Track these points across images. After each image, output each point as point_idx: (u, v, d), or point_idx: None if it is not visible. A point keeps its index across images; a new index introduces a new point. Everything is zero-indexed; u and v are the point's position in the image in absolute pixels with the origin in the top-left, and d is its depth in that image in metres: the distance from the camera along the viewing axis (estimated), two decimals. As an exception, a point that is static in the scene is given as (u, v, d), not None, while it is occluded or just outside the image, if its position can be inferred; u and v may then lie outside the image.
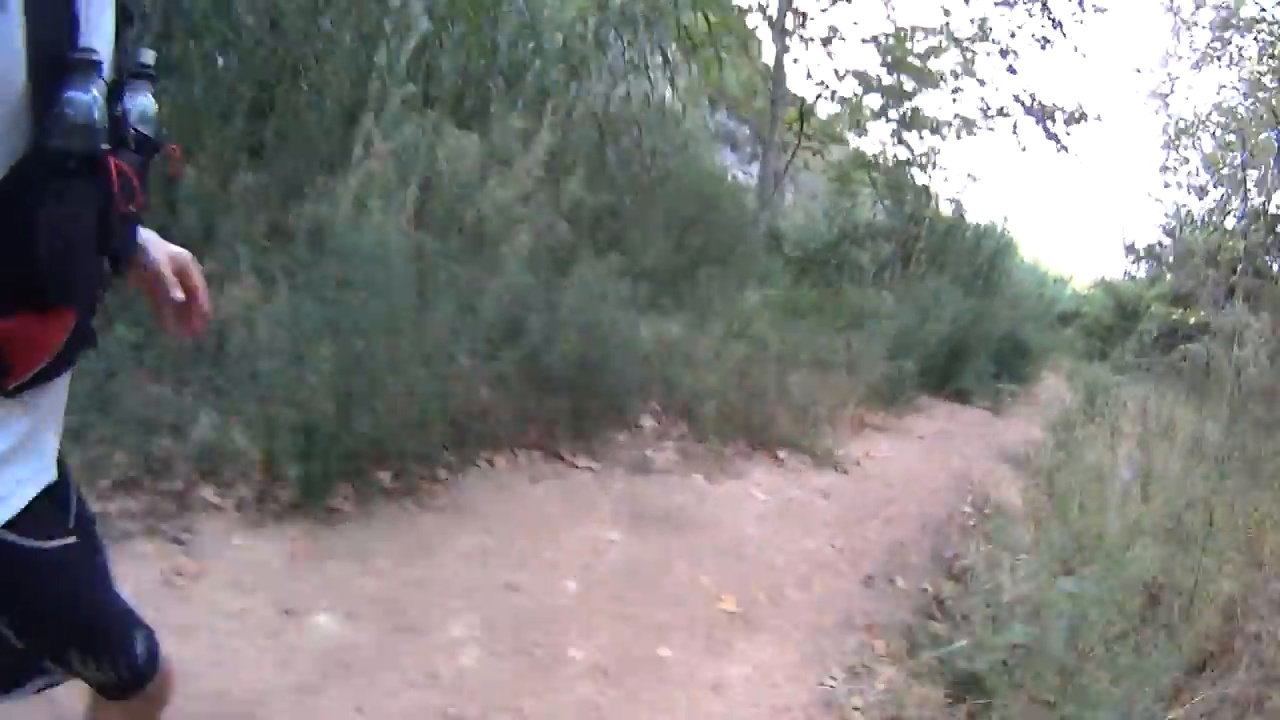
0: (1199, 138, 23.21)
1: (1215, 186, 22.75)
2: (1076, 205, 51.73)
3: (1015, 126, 12.61)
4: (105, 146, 0.89)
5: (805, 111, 12.30)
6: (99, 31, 0.91)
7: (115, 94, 0.97)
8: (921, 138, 12.60)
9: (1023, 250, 22.28)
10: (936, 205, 12.81)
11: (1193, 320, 15.20)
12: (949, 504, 5.44)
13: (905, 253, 11.85)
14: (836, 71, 12.17)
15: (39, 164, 0.83)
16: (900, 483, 5.80)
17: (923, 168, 12.90)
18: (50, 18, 0.82)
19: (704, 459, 5.12)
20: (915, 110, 12.31)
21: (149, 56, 1.06)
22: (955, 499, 5.55)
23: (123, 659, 1.13)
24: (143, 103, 1.05)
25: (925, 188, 12.80)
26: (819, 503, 5.09)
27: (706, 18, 11.19)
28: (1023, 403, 10.87)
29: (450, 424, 3.79)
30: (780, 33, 11.42)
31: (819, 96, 12.11)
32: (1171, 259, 23.47)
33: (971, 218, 13.48)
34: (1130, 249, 24.49)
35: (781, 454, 5.66)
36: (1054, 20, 11.42)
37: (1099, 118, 12.72)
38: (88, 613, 1.10)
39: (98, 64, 0.87)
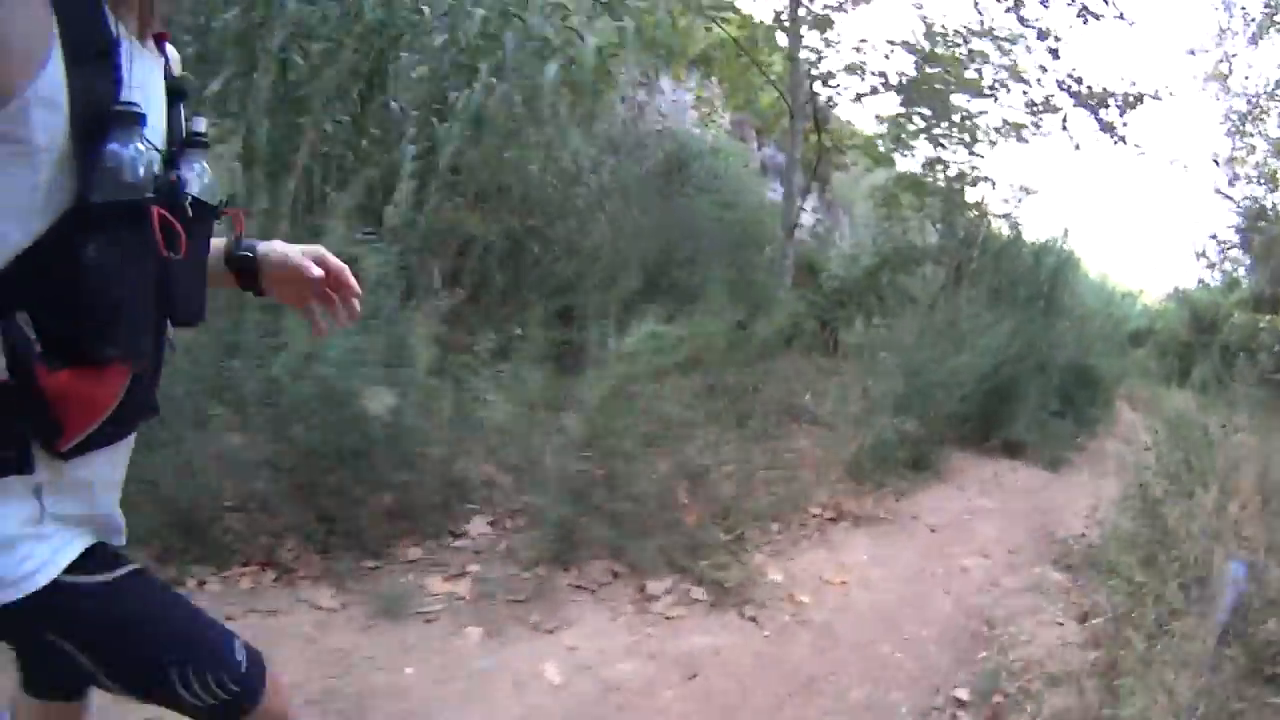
0: (1263, 121, 21.41)
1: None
2: (1141, 211, 49.49)
3: (1065, 121, 10.86)
4: (149, 199, 0.91)
5: (820, 119, 11.07)
6: (144, 92, 0.94)
7: (170, 162, 1.00)
8: (971, 151, 11.26)
9: (1087, 265, 20.90)
10: (990, 223, 11.75)
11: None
12: (927, 692, 3.16)
13: (958, 276, 10.67)
14: (862, 71, 10.74)
15: (83, 216, 0.86)
16: (851, 639, 3.51)
17: (974, 183, 11.57)
18: (92, 72, 0.86)
19: (508, 595, 3.35)
20: (963, 119, 10.98)
21: (202, 124, 1.05)
22: (945, 674, 3.33)
23: (225, 671, 1.08)
24: (198, 168, 1.03)
25: (978, 204, 11.59)
26: (663, 695, 2.89)
27: (727, 34, 10.13)
28: (1092, 452, 9.39)
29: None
30: (795, 36, 10.25)
31: (830, 101, 11.00)
32: (1248, 259, 21.60)
33: (1029, 234, 12.19)
34: (1202, 254, 22.68)
35: (658, 586, 3.65)
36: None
37: (1157, 96, 10.74)
38: (173, 627, 1.06)
39: (140, 116, 0.90)
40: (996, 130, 11.18)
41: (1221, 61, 20.40)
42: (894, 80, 10.54)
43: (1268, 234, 20.80)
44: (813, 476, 5.21)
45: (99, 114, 0.86)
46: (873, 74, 10.56)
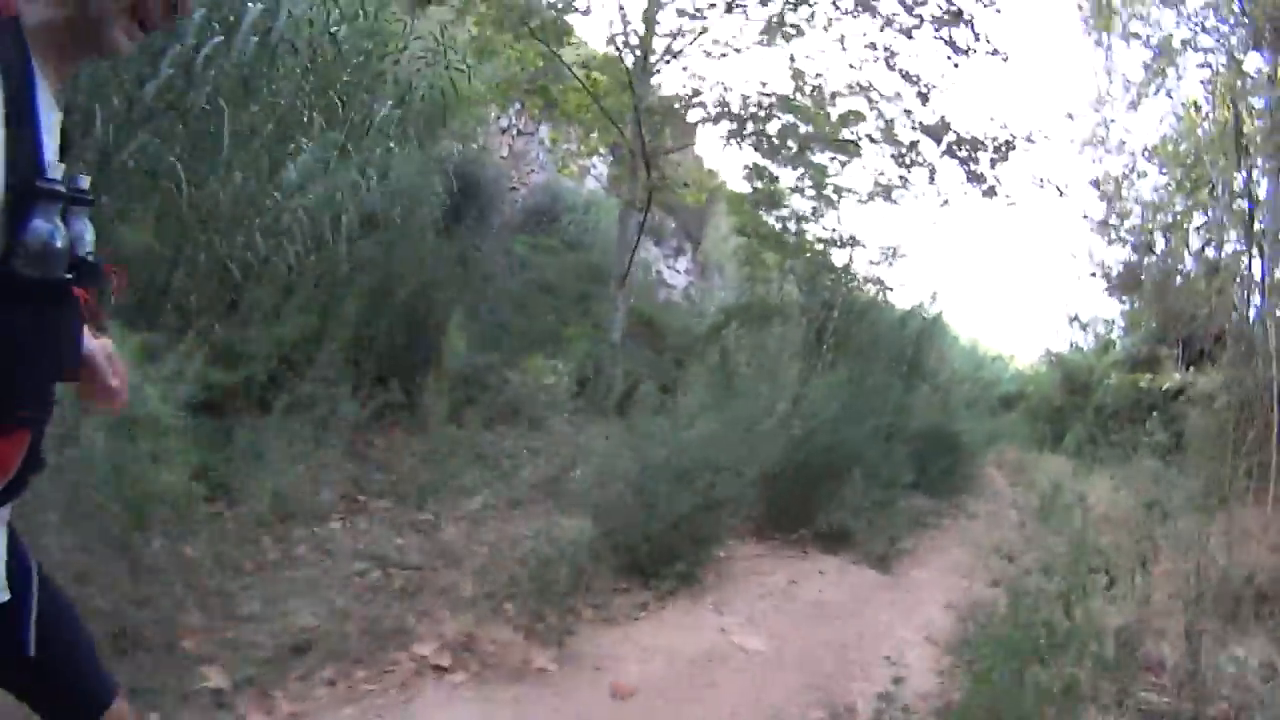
0: (1137, 186, 20.60)
1: (1163, 236, 20.11)
2: (1013, 278, 50.16)
3: (933, 174, 10.22)
4: (68, 275, 0.93)
5: (649, 156, 9.76)
6: (54, 160, 0.95)
7: (65, 220, 0.98)
8: (832, 208, 10.76)
9: (957, 330, 19.73)
10: (855, 285, 11.45)
11: (1164, 386, 11.97)
12: None
13: (818, 338, 10.11)
14: (691, 102, 10.09)
15: (7, 287, 0.86)
16: None
17: (840, 245, 11.08)
18: (24, 146, 0.87)
19: None
20: (822, 177, 10.47)
21: (85, 182, 1.05)
22: None
23: None
24: (84, 227, 1.03)
25: (845, 268, 11.09)
26: None
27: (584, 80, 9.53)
28: (944, 536, 7.36)
29: None
30: (641, 71, 9.60)
31: (660, 139, 10.12)
32: (1122, 323, 20.59)
33: (899, 297, 11.98)
34: (1074, 319, 21.66)
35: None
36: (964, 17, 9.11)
37: (1030, 139, 9.94)
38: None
39: (61, 195, 0.91)
40: (867, 194, 10.71)
41: (1099, 125, 19.67)
42: (737, 109, 9.68)
43: (1152, 272, 19.92)
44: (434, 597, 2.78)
45: (27, 187, 0.86)
46: (715, 106, 9.79)
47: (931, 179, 10.21)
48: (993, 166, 10.04)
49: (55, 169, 0.92)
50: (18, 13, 0.87)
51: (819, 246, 10.90)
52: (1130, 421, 15.34)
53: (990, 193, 10.12)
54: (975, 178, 10.26)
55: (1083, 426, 15.85)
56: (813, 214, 10.64)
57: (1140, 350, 16.00)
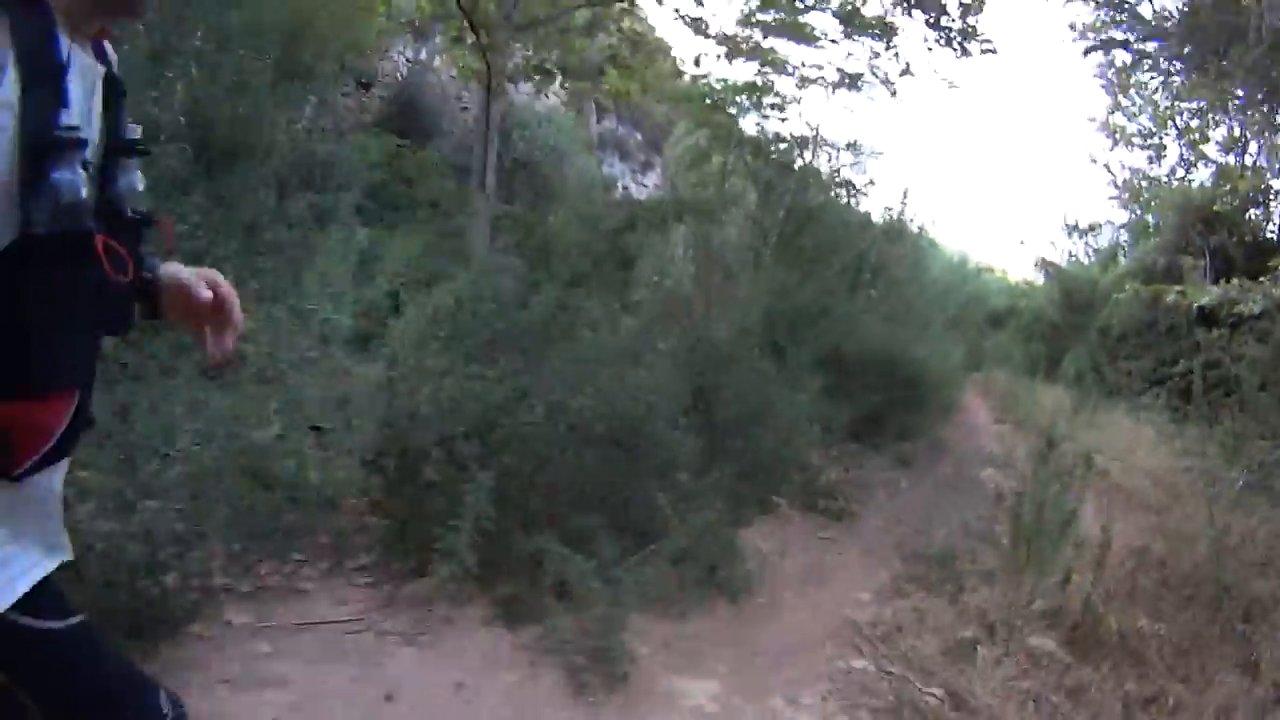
0: (1145, 85, 17.52)
1: (1175, 142, 17.22)
2: (1007, 186, 46.71)
3: (890, 40, 9.14)
4: (93, 226, 0.90)
5: (489, 21, 8.15)
6: (82, 109, 0.93)
7: (107, 173, 1.00)
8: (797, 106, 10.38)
9: (940, 240, 16.99)
10: (821, 188, 9.87)
11: (1197, 302, 9.30)
12: None
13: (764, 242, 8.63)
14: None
15: (28, 248, 0.83)
16: None
17: (802, 143, 9.88)
18: (41, 96, 0.85)
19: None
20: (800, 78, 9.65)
21: (137, 132, 1.05)
22: None
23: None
24: (133, 179, 1.04)
25: (804, 167, 9.60)
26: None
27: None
28: (857, 532, 4.82)
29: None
30: None
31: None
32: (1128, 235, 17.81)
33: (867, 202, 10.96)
34: (1074, 227, 18.85)
35: None
36: None
37: None
38: (113, 680, 1.10)
39: (82, 142, 0.88)
40: (831, 85, 9.82)
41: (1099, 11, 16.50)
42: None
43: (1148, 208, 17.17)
44: None
45: (43, 140, 0.84)
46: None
47: (889, 44, 9.06)
48: (964, 16, 8.69)
49: (72, 115, 0.87)
50: None
51: (782, 146, 9.76)
52: (1141, 347, 12.83)
53: (963, 48, 8.89)
54: (944, 32, 8.89)
55: (1084, 350, 13.28)
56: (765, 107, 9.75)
57: (1155, 260, 13.32)
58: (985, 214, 32.59)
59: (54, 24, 0.88)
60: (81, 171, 0.86)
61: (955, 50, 9.12)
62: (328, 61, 6.64)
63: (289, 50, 5.29)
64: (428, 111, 10.46)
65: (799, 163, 9.68)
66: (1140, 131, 18.12)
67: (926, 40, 9.02)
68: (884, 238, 10.06)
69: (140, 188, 1.05)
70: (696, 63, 10.11)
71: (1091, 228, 16.15)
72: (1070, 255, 18.49)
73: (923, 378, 7.74)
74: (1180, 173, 17.02)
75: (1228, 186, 12.02)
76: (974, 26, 8.77)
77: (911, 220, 10.57)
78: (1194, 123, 15.75)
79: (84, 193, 0.86)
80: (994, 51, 8.78)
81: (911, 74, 9.57)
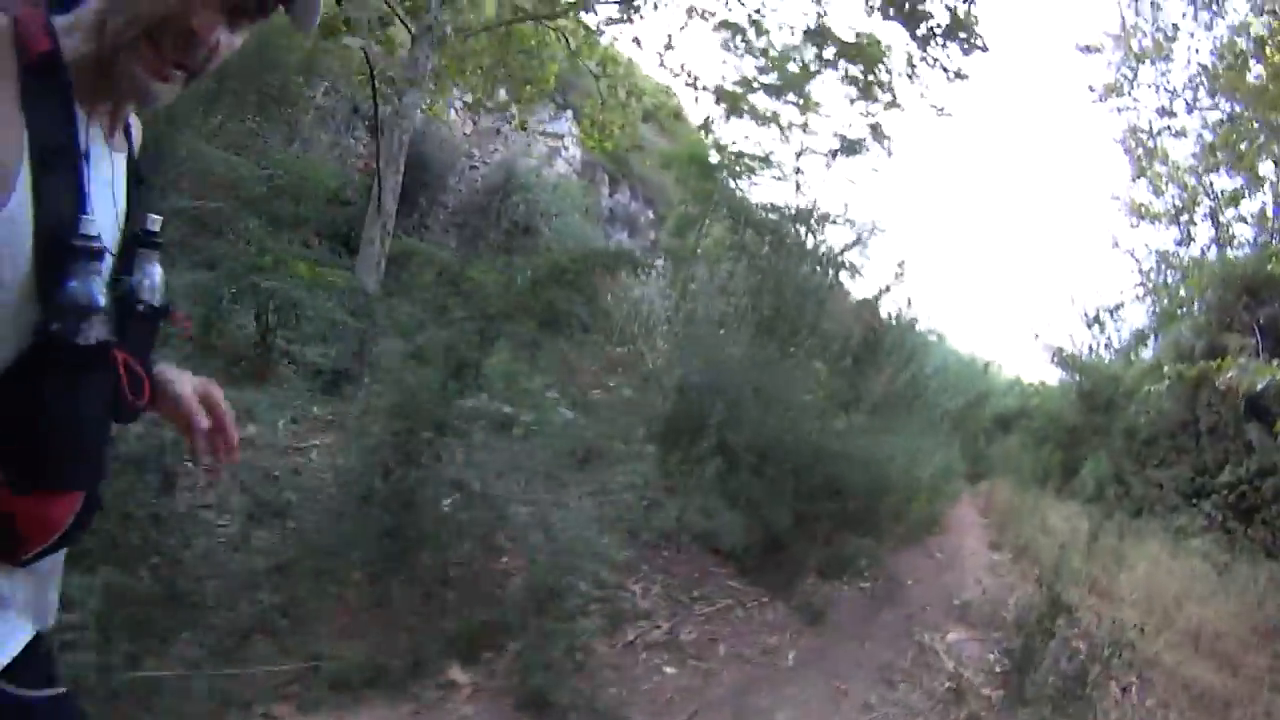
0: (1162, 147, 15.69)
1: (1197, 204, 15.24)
2: (1017, 273, 44.55)
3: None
4: (110, 338, 0.89)
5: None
6: (102, 207, 0.92)
7: (125, 264, 0.98)
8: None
9: (948, 337, 14.99)
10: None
11: (1261, 380, 6.97)
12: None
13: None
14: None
15: (46, 353, 0.83)
16: None
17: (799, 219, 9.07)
18: (58, 190, 0.83)
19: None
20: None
21: (155, 224, 1.03)
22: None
23: None
24: (151, 272, 1.01)
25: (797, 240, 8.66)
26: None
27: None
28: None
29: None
30: None
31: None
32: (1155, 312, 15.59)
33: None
34: (1095, 318, 16.54)
35: None
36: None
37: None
38: None
39: (102, 251, 0.87)
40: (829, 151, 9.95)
41: (1122, 68, 14.84)
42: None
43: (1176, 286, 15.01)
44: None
45: (61, 244, 0.83)
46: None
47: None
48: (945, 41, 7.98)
49: (92, 223, 0.86)
50: (52, 48, 0.85)
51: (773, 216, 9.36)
52: (1175, 451, 10.49)
53: (957, 76, 8.28)
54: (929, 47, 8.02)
55: (1106, 457, 10.92)
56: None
57: (1191, 345, 11.08)
58: (994, 307, 30.46)
59: (71, 98, 0.86)
60: (99, 281, 0.86)
61: (946, 52, 8.16)
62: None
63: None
64: (435, 162, 10.04)
65: (792, 234, 8.90)
66: (1167, 209, 16.22)
67: (912, 60, 8.35)
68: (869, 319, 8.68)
69: (158, 281, 1.02)
70: (705, 128, 10.05)
71: (1115, 309, 13.89)
72: (1090, 349, 16.24)
73: (885, 484, 5.51)
74: (1213, 251, 15.00)
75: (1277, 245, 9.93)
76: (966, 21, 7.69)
77: (907, 305, 8.99)
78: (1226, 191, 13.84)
79: (101, 303, 0.85)
80: (985, 49, 7.88)
81: (899, 106, 9.16)
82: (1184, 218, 15.86)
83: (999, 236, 53.45)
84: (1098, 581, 5.66)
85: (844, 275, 9.04)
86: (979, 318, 43.49)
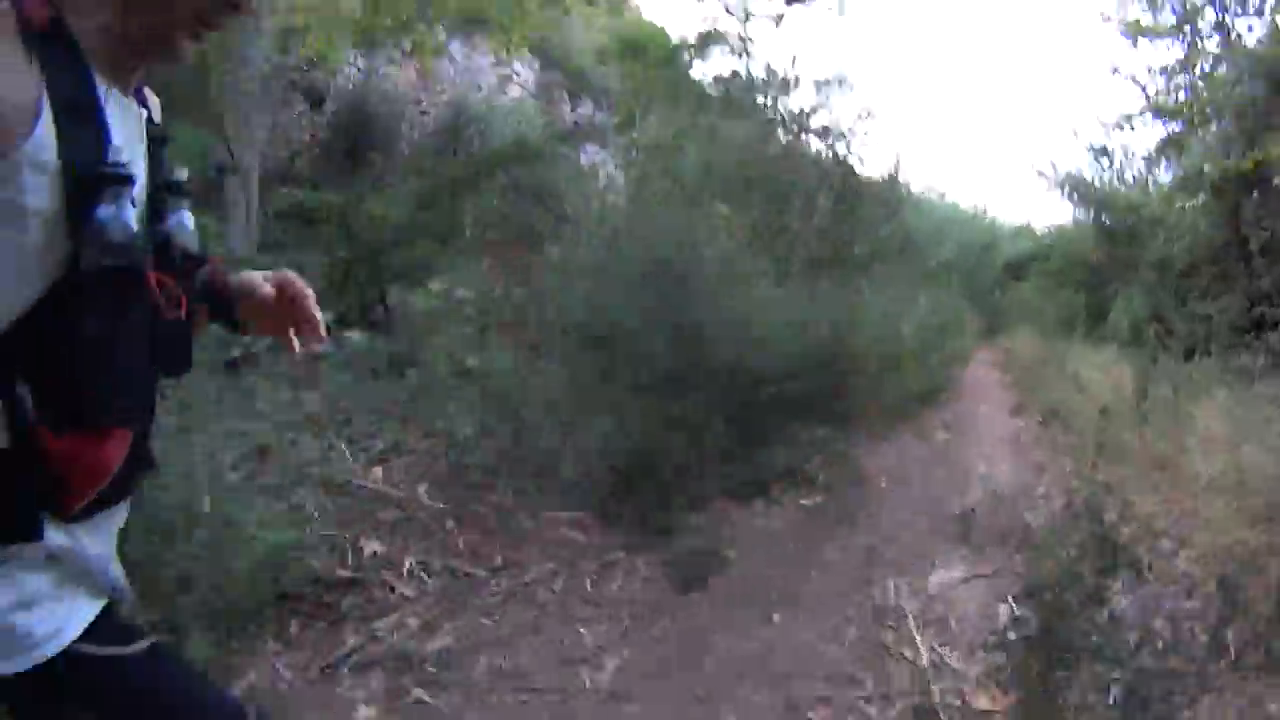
0: None
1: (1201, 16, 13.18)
2: (1011, 118, 42.06)
3: None
4: (143, 264, 0.90)
5: None
6: (128, 146, 0.92)
7: (155, 213, 0.99)
8: None
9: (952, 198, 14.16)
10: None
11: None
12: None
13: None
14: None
15: (79, 283, 0.83)
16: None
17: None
18: (80, 131, 0.84)
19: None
20: None
21: (184, 173, 1.06)
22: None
23: None
24: (183, 218, 1.03)
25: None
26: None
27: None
28: None
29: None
30: None
31: None
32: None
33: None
34: (1101, 150, 14.58)
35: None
36: None
37: None
38: (188, 703, 1.06)
39: (129, 178, 0.87)
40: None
41: None
42: None
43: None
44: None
45: (88, 176, 0.83)
46: None
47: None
48: None
49: (120, 151, 0.86)
50: (57, 17, 0.85)
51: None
52: (1220, 280, 8.92)
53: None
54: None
55: (1140, 293, 9.38)
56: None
57: (1225, 153, 9.34)
58: (992, 155, 28.35)
59: (84, 61, 0.87)
60: (130, 207, 0.86)
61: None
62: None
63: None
64: (381, 120, 10.26)
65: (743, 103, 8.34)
66: (1167, 24, 14.13)
67: None
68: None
69: (190, 227, 1.04)
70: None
71: (1125, 122, 11.95)
72: (1101, 181, 14.44)
73: (844, 353, 4.03)
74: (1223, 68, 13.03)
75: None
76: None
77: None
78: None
79: (134, 228, 0.86)
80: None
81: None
82: (1186, 30, 13.82)
83: (987, 79, 50.23)
84: (1159, 456, 4.22)
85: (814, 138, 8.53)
86: (978, 169, 40.97)
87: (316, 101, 10.40)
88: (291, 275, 1.10)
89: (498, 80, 12.45)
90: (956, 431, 5.50)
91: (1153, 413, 5.12)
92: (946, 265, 10.96)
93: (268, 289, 1.06)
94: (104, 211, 0.83)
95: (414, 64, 11.22)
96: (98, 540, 0.94)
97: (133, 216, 0.85)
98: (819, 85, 8.60)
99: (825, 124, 8.51)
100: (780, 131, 8.40)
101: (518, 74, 12.82)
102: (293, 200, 7.70)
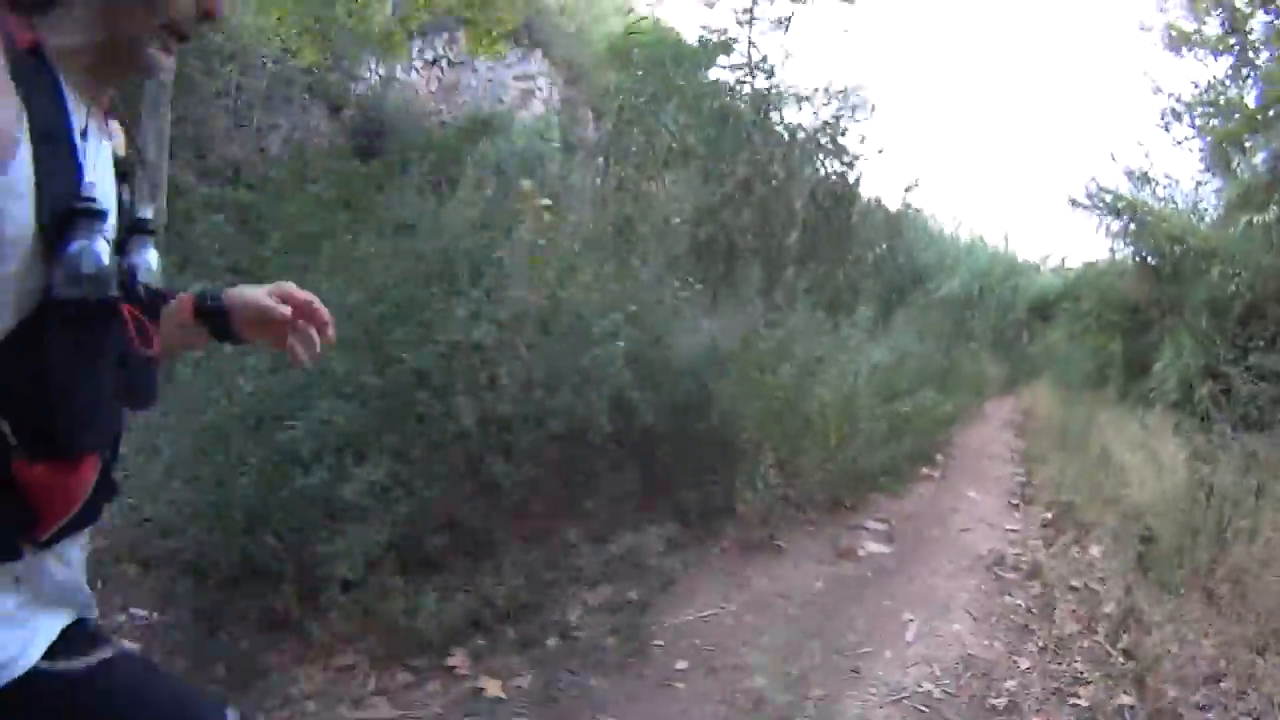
0: None
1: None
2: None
3: None
4: (117, 295, 0.90)
5: None
6: (101, 180, 0.93)
7: (120, 250, 0.98)
8: None
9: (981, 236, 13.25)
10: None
11: None
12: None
13: None
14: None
15: (52, 314, 0.84)
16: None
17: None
18: (56, 161, 0.85)
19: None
20: None
21: (149, 211, 1.08)
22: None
23: None
24: (146, 256, 1.04)
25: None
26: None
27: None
28: None
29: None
30: None
31: None
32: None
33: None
34: (1143, 175, 12.82)
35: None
36: None
37: None
38: (160, 710, 1.04)
39: (103, 212, 0.88)
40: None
41: None
42: None
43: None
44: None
45: (63, 208, 0.84)
46: None
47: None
48: None
49: (92, 186, 0.87)
50: (38, 41, 0.86)
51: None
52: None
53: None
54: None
55: (1190, 341, 7.61)
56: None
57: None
58: (1017, 188, 26.57)
59: (58, 82, 0.88)
60: (103, 240, 0.86)
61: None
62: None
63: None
64: (397, 124, 10.11)
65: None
66: (1213, 37, 12.42)
67: None
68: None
69: (155, 266, 1.04)
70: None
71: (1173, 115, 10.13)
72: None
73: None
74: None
75: None
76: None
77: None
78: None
79: (106, 261, 0.86)
80: None
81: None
82: (1235, 44, 12.10)
83: (1012, 100, 48.19)
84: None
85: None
86: (1002, 200, 38.82)
87: (335, 109, 10.46)
88: (293, 287, 1.14)
89: (520, 94, 12.36)
90: (908, 541, 3.77)
91: (1232, 517, 3.41)
92: (951, 300, 9.26)
93: (283, 309, 1.10)
94: (77, 244, 0.83)
95: (435, 72, 11.42)
96: (64, 564, 0.95)
97: (105, 251, 0.85)
98: (826, 94, 7.97)
99: (822, 134, 7.82)
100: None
101: (540, 89, 12.71)
102: (210, 198, 7.33)
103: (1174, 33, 12.70)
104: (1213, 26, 12.33)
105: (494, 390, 2.92)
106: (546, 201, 3.32)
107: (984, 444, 6.70)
